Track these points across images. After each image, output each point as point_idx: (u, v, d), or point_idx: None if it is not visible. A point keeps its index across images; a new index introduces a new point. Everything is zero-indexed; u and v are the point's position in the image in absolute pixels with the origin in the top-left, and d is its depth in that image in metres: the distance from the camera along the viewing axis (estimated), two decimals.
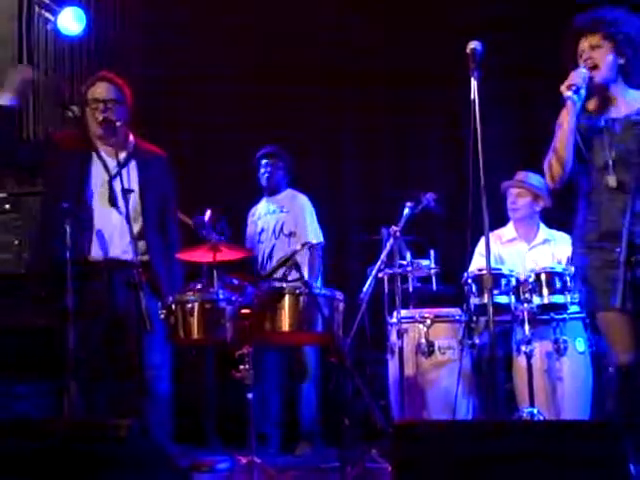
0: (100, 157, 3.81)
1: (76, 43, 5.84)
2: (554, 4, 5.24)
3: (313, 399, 4.94)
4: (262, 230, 5.14)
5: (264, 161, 5.18)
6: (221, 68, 5.93)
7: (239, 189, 5.58)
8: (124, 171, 3.75)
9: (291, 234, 5.03)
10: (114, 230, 3.73)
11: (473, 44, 3.30)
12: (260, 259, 5.08)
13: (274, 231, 5.09)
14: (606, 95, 3.34)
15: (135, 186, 3.81)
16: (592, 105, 3.37)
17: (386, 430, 3.54)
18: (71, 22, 5.57)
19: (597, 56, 3.29)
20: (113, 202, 3.70)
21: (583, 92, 3.23)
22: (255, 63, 5.96)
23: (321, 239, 5.07)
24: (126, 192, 3.60)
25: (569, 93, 3.20)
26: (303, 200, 5.13)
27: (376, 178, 6.05)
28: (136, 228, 3.74)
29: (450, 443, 2.58)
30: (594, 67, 3.28)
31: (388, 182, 5.96)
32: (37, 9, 5.72)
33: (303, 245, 4.17)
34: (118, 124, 3.76)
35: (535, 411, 4.06)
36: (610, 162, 3.23)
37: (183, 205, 4.40)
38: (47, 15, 5.58)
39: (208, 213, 4.46)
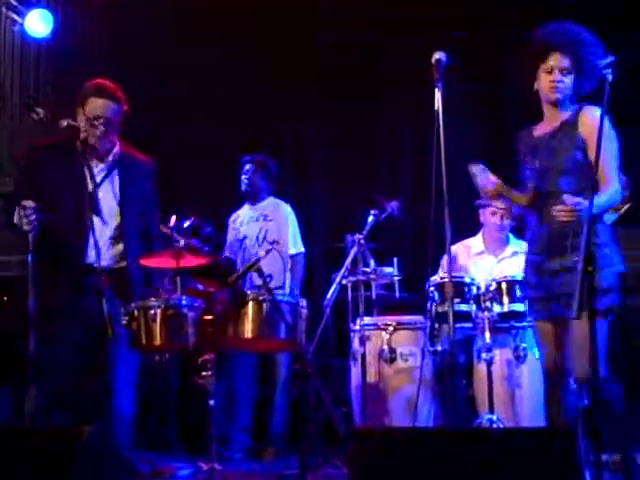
0: (88, 166, 3.79)
1: (43, 45, 5.82)
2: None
3: (283, 405, 4.95)
4: (245, 237, 5.16)
5: (246, 167, 5.23)
6: (189, 69, 5.92)
7: (217, 195, 5.60)
8: (107, 181, 3.81)
9: (274, 242, 5.05)
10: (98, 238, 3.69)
11: (438, 55, 3.34)
12: (241, 265, 5.07)
13: (257, 239, 5.11)
14: (550, 111, 3.45)
15: (116, 195, 3.85)
16: (538, 126, 3.50)
17: (347, 437, 3.56)
18: (38, 24, 5.56)
19: (567, 81, 3.37)
20: (97, 212, 3.72)
21: (498, 182, 3.38)
22: (223, 65, 5.96)
23: (302, 249, 5.13)
24: (96, 211, 3.66)
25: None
26: (287, 209, 5.18)
27: (341, 186, 6.09)
28: (116, 234, 3.83)
29: (408, 450, 2.61)
30: (560, 89, 3.36)
31: (353, 190, 5.99)
32: (4, 10, 5.69)
33: (267, 252, 4.17)
34: (113, 138, 3.81)
35: (495, 417, 4.11)
36: (533, 173, 3.39)
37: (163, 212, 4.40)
38: (14, 17, 5.55)
39: (173, 219, 4.44)
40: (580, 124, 3.36)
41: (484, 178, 3.38)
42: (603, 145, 3.21)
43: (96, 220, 3.69)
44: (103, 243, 3.74)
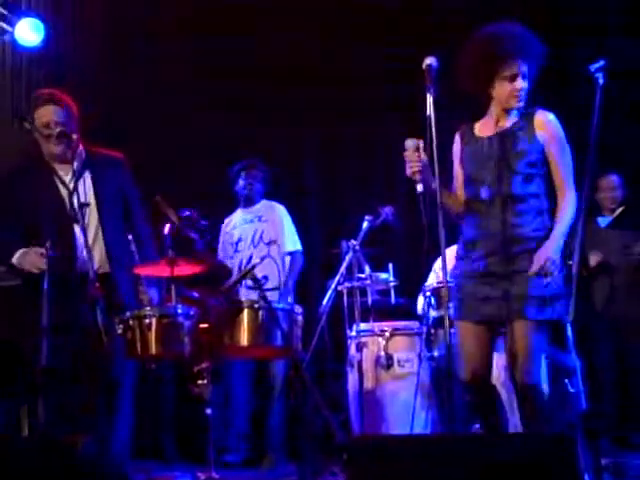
0: (57, 175, 3.80)
1: (34, 54, 5.80)
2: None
3: (281, 412, 4.93)
4: (239, 239, 5.15)
5: (243, 173, 5.20)
6: (180, 78, 5.92)
7: (208, 200, 5.59)
8: (80, 184, 3.72)
9: (271, 242, 5.06)
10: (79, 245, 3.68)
11: (429, 60, 3.31)
12: (237, 268, 5.07)
13: (252, 240, 5.10)
14: (501, 115, 3.40)
15: (91, 198, 3.79)
16: (478, 124, 3.46)
17: (344, 444, 3.54)
18: (29, 33, 5.54)
19: (526, 87, 3.33)
20: (74, 218, 3.66)
21: (426, 165, 3.22)
22: (216, 71, 5.96)
23: (299, 247, 5.11)
24: (81, 206, 3.57)
25: (420, 188, 3.18)
26: (281, 210, 5.18)
27: (336, 192, 6.09)
28: (97, 240, 3.77)
29: (406, 457, 2.60)
30: (521, 96, 3.32)
31: (348, 195, 5.99)
32: None
33: (262, 259, 4.17)
34: (74, 136, 3.75)
35: None
36: (483, 175, 3.32)
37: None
38: (4, 26, 5.53)
39: (168, 227, 4.40)
40: (537, 128, 3.33)
41: (415, 154, 3.24)
42: (560, 153, 3.30)
43: (77, 227, 3.64)
44: (86, 250, 3.64)
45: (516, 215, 3.29)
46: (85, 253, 3.59)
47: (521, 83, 3.31)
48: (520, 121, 3.37)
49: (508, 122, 3.39)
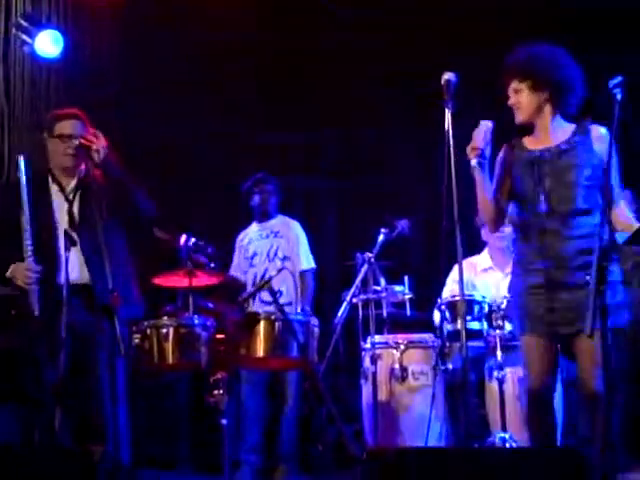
0: (61, 188, 3.89)
1: (53, 66, 5.86)
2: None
3: (294, 423, 4.93)
4: (255, 254, 5.16)
5: (256, 188, 5.22)
6: (197, 92, 5.97)
7: (224, 216, 5.62)
8: (74, 201, 3.83)
9: (285, 258, 5.07)
10: (73, 257, 3.70)
11: (447, 75, 3.35)
12: (251, 282, 5.09)
13: (268, 255, 5.11)
14: (536, 129, 3.44)
15: (75, 215, 3.83)
16: (527, 139, 3.48)
17: (358, 456, 3.55)
18: (48, 45, 5.58)
19: (520, 99, 3.41)
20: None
21: (488, 150, 3.34)
22: (231, 84, 6.01)
23: (313, 265, 5.12)
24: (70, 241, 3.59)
25: (474, 162, 3.32)
26: (297, 226, 5.20)
27: (352, 204, 6.11)
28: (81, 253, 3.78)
29: (421, 469, 2.61)
30: (519, 109, 3.43)
31: (363, 208, 6.01)
32: (14, 31, 5.72)
33: (278, 271, 4.19)
34: (77, 142, 3.80)
35: (507, 436, 4.09)
36: (540, 190, 3.35)
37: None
38: (24, 38, 5.58)
39: (184, 238, 4.44)
40: (594, 141, 3.35)
41: (483, 133, 3.34)
42: (617, 164, 3.32)
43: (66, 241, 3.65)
44: (74, 261, 3.70)
45: (576, 228, 3.30)
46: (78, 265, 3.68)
47: (512, 98, 3.42)
48: (576, 135, 3.39)
49: (561, 136, 3.40)
